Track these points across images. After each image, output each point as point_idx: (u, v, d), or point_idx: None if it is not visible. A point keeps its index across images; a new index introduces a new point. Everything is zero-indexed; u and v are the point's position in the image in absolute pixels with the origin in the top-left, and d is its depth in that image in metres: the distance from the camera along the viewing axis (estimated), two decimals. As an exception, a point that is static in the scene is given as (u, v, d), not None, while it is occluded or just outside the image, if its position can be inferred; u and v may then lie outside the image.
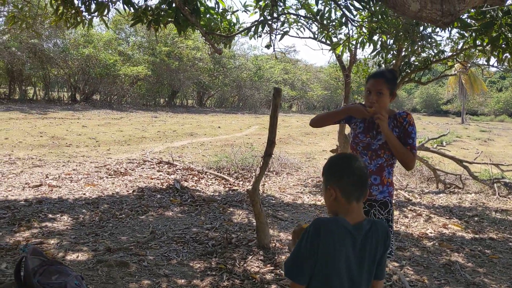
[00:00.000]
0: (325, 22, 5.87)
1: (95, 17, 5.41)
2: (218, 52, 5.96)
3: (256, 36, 6.04)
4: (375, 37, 6.21)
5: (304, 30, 6.89)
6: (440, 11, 2.47)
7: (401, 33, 5.82)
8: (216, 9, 5.69)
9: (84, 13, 5.33)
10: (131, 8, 4.83)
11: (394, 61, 7.38)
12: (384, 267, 1.80)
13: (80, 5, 5.22)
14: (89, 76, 27.75)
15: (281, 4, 5.78)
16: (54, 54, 25.35)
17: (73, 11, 5.34)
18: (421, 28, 5.74)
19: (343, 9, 5.59)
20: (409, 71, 7.68)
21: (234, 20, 6.53)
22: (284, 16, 5.98)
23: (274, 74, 44.05)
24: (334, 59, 7.72)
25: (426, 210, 6.65)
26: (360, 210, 1.74)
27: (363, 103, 3.19)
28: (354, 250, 1.65)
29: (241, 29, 6.15)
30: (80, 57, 25.98)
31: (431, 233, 5.57)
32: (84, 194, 6.34)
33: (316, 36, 7.16)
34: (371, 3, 5.42)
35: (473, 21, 4.93)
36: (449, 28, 5.33)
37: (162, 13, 5.00)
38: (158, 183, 7.23)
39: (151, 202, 6.11)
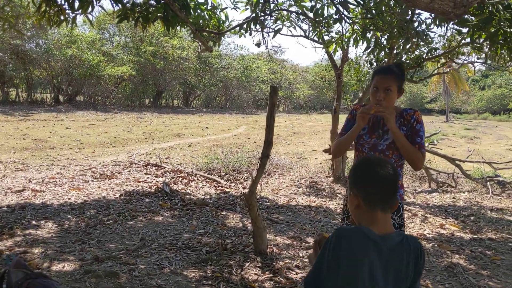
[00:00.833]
0: (318, 19, 5.70)
1: (78, 15, 5.19)
2: (209, 50, 5.78)
3: (247, 34, 5.86)
4: (368, 35, 6.08)
5: (295, 28, 6.75)
6: (453, 2, 2.32)
7: (395, 30, 5.70)
8: (206, 6, 5.51)
9: (67, 11, 5.10)
10: (119, 5, 4.60)
11: (386, 59, 7.27)
12: None
13: (63, 2, 4.99)
14: (73, 77, 27.21)
15: (274, 0, 5.62)
16: (36, 55, 24.83)
17: (56, 9, 5.10)
18: (416, 25, 5.62)
19: (338, 6, 5.45)
20: (402, 69, 7.55)
21: (223, 18, 6.36)
22: (277, 12, 5.81)
23: (261, 74, 43.90)
24: (326, 58, 7.57)
25: (422, 210, 6.53)
26: (387, 221, 1.58)
27: (363, 104, 3.03)
28: (381, 261, 1.48)
29: (231, 27, 5.95)
30: (63, 57, 25.47)
31: (429, 234, 5.45)
32: (69, 198, 6.08)
33: (308, 34, 7.01)
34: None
35: (470, 17, 4.81)
36: (445, 24, 5.22)
37: (151, 9, 4.79)
38: (146, 187, 7.00)
39: (140, 207, 5.88)
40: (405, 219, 5.98)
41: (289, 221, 5.61)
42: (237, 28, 5.71)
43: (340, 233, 1.49)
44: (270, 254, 4.24)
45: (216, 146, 13.55)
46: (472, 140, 23.30)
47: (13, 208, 5.42)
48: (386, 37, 6.28)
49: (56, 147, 11.57)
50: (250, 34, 6.08)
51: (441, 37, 7.12)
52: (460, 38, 6.49)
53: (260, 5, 5.47)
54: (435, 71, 8.57)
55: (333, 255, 1.46)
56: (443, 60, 7.72)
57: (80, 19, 17.82)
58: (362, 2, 5.31)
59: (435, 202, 7.34)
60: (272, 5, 5.58)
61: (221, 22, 6.36)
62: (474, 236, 5.42)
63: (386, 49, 6.79)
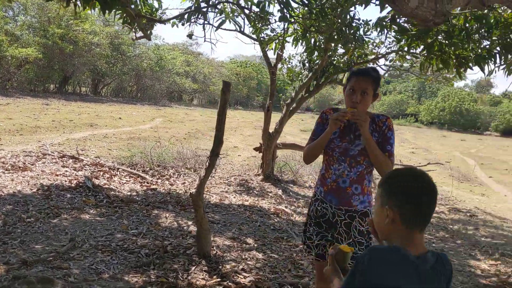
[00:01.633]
0: (263, 15, 5.59)
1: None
2: (148, 37, 5.43)
3: (188, 24, 5.58)
4: (308, 35, 6.11)
5: (230, 22, 6.56)
6: (434, 10, 2.34)
7: (335, 33, 5.78)
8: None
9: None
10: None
11: (319, 61, 7.37)
12: None
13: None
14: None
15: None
16: None
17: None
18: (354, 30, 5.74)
19: (281, 4, 5.37)
20: (332, 72, 7.75)
21: (156, 5, 6.02)
22: (221, 5, 5.59)
23: (176, 66, 42.98)
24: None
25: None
26: (423, 240, 1.44)
27: (335, 106, 2.98)
28: (420, 286, 1.34)
29: (172, 16, 5.63)
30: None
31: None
32: (-22, 193, 5.38)
33: (243, 29, 6.87)
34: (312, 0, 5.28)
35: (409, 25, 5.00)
36: (386, 31, 5.38)
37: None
38: (65, 181, 6.42)
39: (62, 203, 5.37)
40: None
41: (225, 221, 5.46)
42: (179, 18, 5.40)
43: (375, 253, 1.35)
44: (214, 257, 4.07)
45: (133, 138, 12.93)
46: (404, 143, 24.84)
47: None
48: (322, 39, 6.35)
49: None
50: (190, 25, 5.79)
51: (379, 43, 7.37)
52: (389, 45, 6.77)
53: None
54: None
55: (365, 279, 1.32)
56: (371, 65, 8.03)
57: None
58: (307, 2, 5.30)
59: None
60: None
61: (153, 9, 6.03)
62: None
63: (318, 52, 6.88)
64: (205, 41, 6.00)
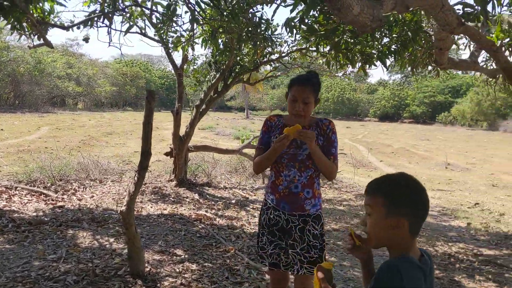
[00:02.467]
0: (173, 17, 5.40)
1: None
2: (50, 46, 4.96)
3: (92, 28, 5.19)
4: (217, 36, 6.05)
5: (137, 22, 6.24)
6: (372, 16, 2.44)
7: (244, 34, 5.80)
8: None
9: None
10: None
11: (226, 62, 7.35)
12: None
13: None
14: None
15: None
16: None
17: None
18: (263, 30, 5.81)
19: (190, 5, 5.24)
20: (239, 71, 7.79)
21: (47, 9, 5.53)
22: (127, 9, 5.28)
23: (57, 69, 40.02)
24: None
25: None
26: (416, 243, 1.51)
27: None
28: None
29: (78, 21, 5.18)
30: None
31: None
32: None
33: (145, 32, 6.58)
34: (221, 1, 5.23)
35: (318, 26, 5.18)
36: (295, 31, 5.52)
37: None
38: (-46, 207, 5.63)
39: (-44, 234, 4.70)
40: (255, 218, 6.20)
41: (148, 233, 5.21)
42: (84, 23, 4.98)
43: (396, 268, 1.35)
44: (149, 275, 3.86)
45: (23, 151, 11.80)
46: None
47: None
48: (229, 40, 6.33)
49: None
50: (95, 29, 5.40)
51: (281, 42, 7.51)
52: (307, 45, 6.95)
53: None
54: (272, 73, 9.04)
55: None
56: (276, 64, 8.21)
57: None
58: (217, 3, 5.23)
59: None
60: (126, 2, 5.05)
61: (45, 13, 5.54)
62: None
63: (227, 52, 6.86)
64: (109, 45, 5.62)
